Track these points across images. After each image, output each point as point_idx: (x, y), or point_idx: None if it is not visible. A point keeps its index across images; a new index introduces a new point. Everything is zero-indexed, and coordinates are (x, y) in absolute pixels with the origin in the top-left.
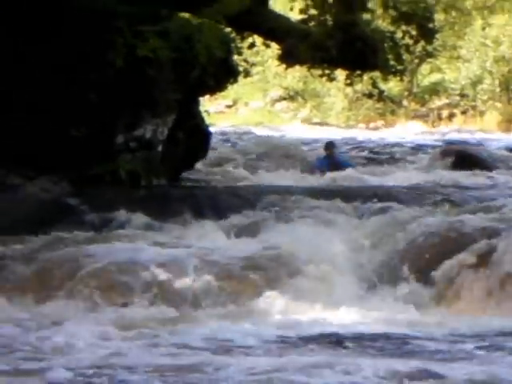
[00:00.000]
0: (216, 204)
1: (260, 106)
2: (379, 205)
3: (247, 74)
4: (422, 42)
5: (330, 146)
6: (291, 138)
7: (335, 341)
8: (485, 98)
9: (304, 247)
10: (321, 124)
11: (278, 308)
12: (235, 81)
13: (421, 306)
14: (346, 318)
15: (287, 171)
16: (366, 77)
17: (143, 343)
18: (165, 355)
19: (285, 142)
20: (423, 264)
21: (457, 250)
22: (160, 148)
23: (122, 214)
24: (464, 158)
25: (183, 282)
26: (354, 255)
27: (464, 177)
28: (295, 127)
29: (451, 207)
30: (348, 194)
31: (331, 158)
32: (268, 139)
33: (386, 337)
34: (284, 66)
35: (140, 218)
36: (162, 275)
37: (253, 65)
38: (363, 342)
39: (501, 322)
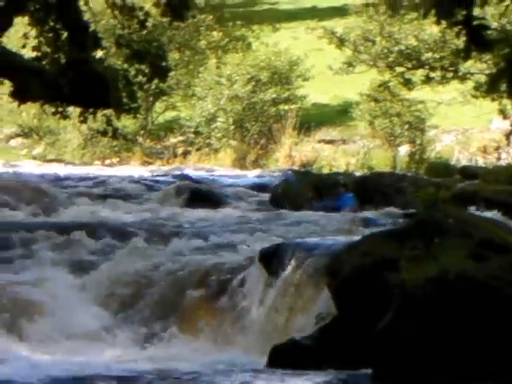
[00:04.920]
0: None
1: None
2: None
3: None
4: (156, 80)
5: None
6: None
7: None
8: (219, 135)
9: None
10: (56, 161)
11: None
12: None
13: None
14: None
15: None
16: (100, 114)
17: None
18: None
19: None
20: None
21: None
22: None
23: None
24: (197, 194)
25: None
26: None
27: (197, 213)
28: (31, 164)
29: (182, 243)
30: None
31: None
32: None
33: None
34: (17, 102)
35: None
36: None
37: None
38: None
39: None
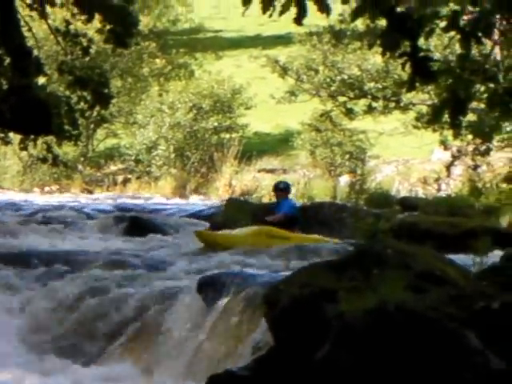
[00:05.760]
0: None
1: None
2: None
3: None
4: (98, 108)
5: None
6: None
7: None
8: (159, 163)
9: None
10: None
11: None
12: None
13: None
14: None
15: None
16: (40, 141)
17: None
18: None
19: None
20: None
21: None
22: None
23: None
24: (136, 223)
25: None
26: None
27: (136, 242)
28: None
29: (118, 271)
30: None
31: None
32: None
33: None
34: None
35: None
36: None
37: None
38: None
39: None
